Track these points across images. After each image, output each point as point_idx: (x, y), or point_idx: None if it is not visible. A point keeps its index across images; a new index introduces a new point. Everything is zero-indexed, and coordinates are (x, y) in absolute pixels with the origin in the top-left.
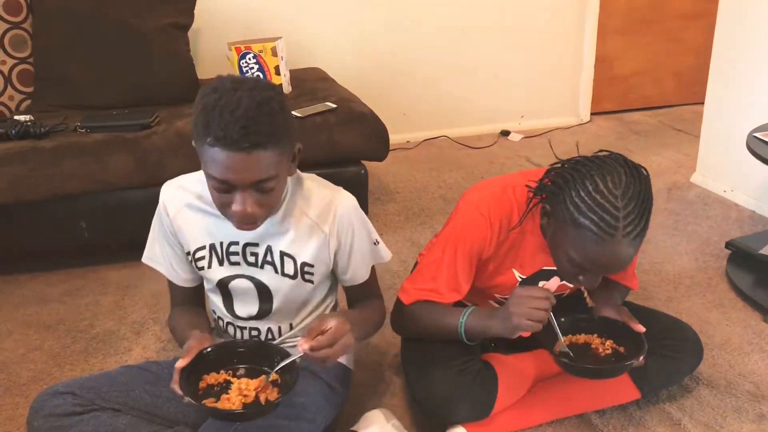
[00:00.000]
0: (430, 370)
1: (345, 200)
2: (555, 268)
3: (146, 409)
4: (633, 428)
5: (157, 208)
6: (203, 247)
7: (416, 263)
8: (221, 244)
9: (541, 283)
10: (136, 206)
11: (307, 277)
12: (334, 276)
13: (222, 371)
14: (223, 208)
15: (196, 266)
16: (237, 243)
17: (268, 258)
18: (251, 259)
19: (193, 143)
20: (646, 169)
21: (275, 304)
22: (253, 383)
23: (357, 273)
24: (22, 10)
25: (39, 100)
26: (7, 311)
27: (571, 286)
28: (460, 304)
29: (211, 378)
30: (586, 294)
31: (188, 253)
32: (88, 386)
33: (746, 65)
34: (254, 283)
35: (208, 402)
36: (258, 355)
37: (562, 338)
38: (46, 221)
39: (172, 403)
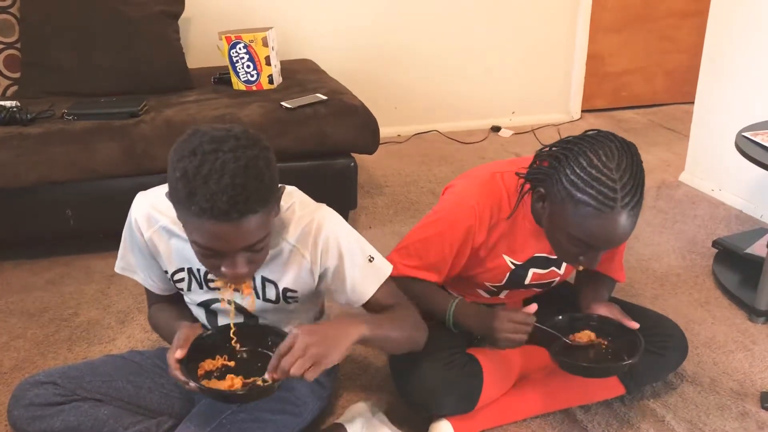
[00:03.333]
0: (416, 363)
1: (327, 221)
2: (547, 254)
3: (129, 399)
4: (617, 424)
5: (129, 222)
6: (182, 270)
7: None
8: (198, 270)
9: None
10: (123, 195)
11: (290, 301)
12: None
13: (218, 357)
14: (211, 268)
15: (175, 286)
16: None
17: (251, 283)
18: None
19: (167, 198)
20: (633, 144)
21: (260, 321)
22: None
23: (358, 292)
24: None
25: (26, 86)
26: None
27: (561, 273)
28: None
29: (208, 365)
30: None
31: (166, 272)
32: (70, 376)
33: (736, 65)
34: (236, 307)
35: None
36: (252, 336)
37: (563, 338)
38: (31, 208)
39: (155, 393)
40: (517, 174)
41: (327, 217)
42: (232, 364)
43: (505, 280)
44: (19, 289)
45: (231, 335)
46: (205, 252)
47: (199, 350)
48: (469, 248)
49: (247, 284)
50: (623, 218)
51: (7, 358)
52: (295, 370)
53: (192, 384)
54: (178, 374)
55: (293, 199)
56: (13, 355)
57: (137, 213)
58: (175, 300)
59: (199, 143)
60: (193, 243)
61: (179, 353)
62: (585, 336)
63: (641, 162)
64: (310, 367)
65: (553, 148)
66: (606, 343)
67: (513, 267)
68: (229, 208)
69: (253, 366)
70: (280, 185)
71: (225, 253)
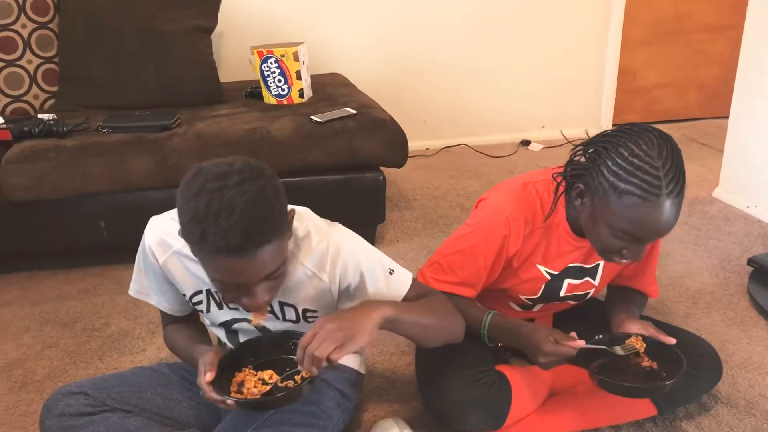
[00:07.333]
0: (444, 379)
1: (344, 244)
2: (581, 263)
3: (157, 411)
4: None
5: (143, 247)
6: (200, 292)
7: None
8: (217, 292)
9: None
10: (155, 207)
11: (310, 320)
12: None
13: (246, 368)
14: (231, 300)
15: (194, 309)
16: None
17: (268, 307)
18: None
19: (181, 237)
20: (670, 135)
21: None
22: (267, 373)
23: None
24: (50, 11)
25: (63, 100)
26: (25, 307)
27: (595, 284)
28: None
29: (240, 377)
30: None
31: (184, 295)
32: (100, 386)
33: None
34: (258, 328)
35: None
36: (274, 346)
37: (616, 349)
38: (65, 219)
39: (183, 405)
40: (552, 176)
41: (343, 238)
42: (264, 374)
43: (540, 292)
44: (53, 298)
45: (250, 349)
46: (225, 287)
47: (227, 368)
48: (504, 260)
49: (263, 312)
50: (668, 206)
51: (40, 367)
52: (320, 352)
53: (229, 401)
54: (214, 395)
55: (306, 222)
56: (47, 364)
57: (150, 239)
58: (190, 319)
59: (203, 182)
60: (213, 280)
61: (209, 376)
62: (636, 342)
63: (680, 151)
64: (334, 349)
65: (588, 144)
66: (645, 361)
67: (549, 278)
68: (244, 242)
69: (282, 372)
70: (290, 208)
71: (245, 286)
